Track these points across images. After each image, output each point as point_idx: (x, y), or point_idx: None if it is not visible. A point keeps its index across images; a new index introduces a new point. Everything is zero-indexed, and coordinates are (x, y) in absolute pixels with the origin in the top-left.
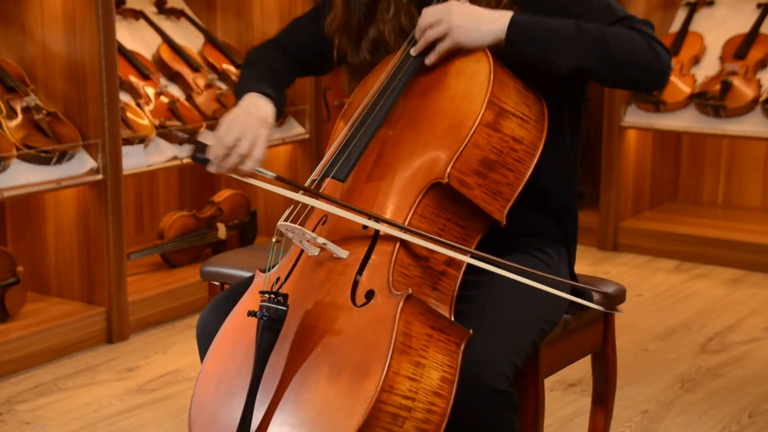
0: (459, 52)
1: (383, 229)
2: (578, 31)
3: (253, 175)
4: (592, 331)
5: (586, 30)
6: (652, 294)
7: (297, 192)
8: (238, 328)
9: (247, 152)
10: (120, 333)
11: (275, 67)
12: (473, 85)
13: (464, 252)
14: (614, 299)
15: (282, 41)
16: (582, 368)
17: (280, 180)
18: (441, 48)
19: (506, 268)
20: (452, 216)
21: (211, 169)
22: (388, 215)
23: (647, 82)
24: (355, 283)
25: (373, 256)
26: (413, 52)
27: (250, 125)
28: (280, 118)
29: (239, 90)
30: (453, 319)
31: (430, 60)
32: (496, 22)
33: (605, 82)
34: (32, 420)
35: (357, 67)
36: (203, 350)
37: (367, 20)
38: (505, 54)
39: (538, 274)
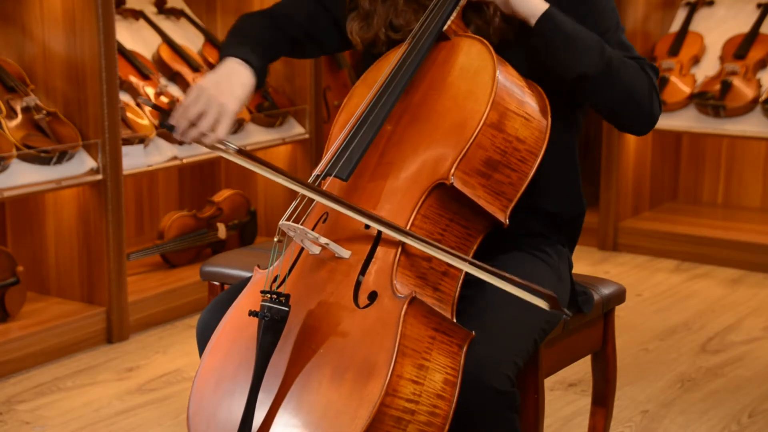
0: (462, 49)
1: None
2: (602, 49)
3: (216, 148)
4: (592, 331)
5: (609, 52)
6: (652, 294)
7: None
8: (237, 325)
9: (207, 131)
10: (120, 333)
11: (264, 37)
12: (476, 85)
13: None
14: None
15: (275, 13)
16: (582, 368)
17: (242, 154)
18: None
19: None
20: (455, 216)
21: (176, 136)
22: (390, 216)
23: (631, 124)
24: (358, 284)
25: (375, 257)
26: None
27: (217, 99)
28: (261, 87)
29: (222, 52)
30: (454, 319)
31: None
32: (538, 3)
33: (596, 104)
34: (32, 420)
35: (367, 12)
36: (203, 351)
37: None
38: (514, 49)
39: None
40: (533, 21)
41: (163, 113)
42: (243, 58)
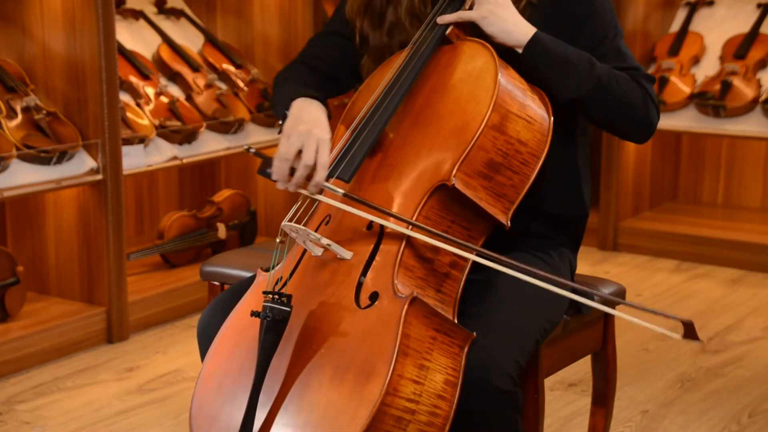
0: (465, 53)
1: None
2: (591, 69)
3: (322, 191)
4: (592, 331)
5: (598, 70)
6: (652, 294)
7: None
8: (240, 327)
9: (313, 161)
10: (120, 333)
11: (307, 80)
12: (479, 87)
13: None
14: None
15: (306, 58)
16: (582, 368)
17: (348, 197)
18: (464, 15)
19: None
20: (457, 218)
21: (279, 186)
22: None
23: (629, 135)
24: (359, 285)
25: (377, 258)
26: (440, 20)
27: (308, 131)
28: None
29: (279, 105)
30: (456, 320)
31: (444, 19)
32: (523, 32)
33: (592, 119)
34: (32, 420)
35: (379, 49)
36: (204, 351)
37: (388, 1)
38: (516, 59)
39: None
40: (520, 50)
41: (265, 161)
42: (304, 95)
